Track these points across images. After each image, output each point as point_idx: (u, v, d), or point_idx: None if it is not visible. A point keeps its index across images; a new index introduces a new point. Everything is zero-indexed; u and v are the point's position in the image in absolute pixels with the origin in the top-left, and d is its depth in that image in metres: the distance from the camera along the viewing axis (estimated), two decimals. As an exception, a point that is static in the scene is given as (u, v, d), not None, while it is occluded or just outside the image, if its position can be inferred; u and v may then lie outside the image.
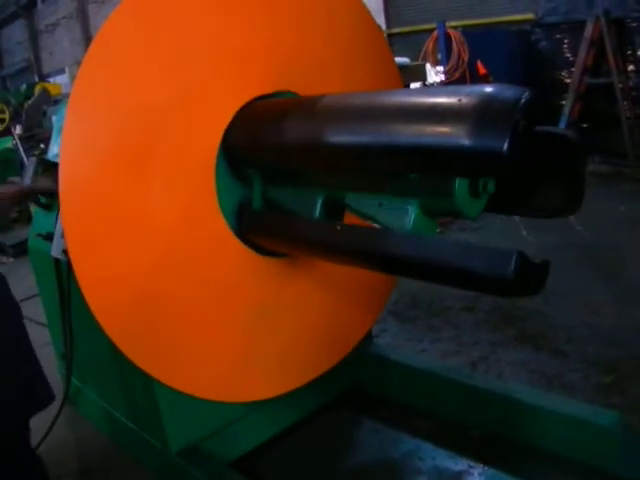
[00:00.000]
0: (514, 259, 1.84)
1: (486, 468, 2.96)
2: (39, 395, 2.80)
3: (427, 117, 1.92)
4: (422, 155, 1.97)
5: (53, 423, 3.22)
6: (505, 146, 1.67)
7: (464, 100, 1.80)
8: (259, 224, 2.77)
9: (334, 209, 2.55)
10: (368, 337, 3.60)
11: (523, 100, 1.70)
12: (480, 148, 1.74)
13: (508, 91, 1.76)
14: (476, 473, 2.94)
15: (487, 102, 1.76)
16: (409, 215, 2.22)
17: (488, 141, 1.72)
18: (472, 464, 2.99)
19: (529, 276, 1.89)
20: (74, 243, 2.39)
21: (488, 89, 1.81)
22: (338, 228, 2.40)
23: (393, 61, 3.35)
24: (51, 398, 2.92)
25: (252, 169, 2.76)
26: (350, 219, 2.52)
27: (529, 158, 1.76)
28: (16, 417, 2.69)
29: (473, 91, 1.84)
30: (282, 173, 2.74)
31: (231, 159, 2.70)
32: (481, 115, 1.75)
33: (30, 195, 3.12)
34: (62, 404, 3.27)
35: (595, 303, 4.60)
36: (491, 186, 2.07)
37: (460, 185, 2.05)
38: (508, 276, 1.85)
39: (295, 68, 2.84)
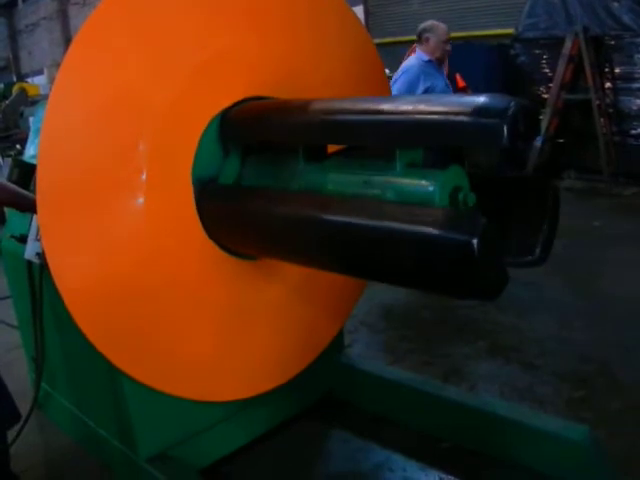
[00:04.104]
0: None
1: (456, 480, 2.97)
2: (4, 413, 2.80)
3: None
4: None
5: (21, 429, 3.16)
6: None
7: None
8: None
9: None
10: (340, 347, 3.60)
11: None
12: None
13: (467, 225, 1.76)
14: (446, 485, 2.95)
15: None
16: None
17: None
18: (442, 476, 2.99)
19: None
20: (49, 238, 2.34)
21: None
22: None
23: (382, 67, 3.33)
24: (17, 417, 2.91)
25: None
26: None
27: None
28: None
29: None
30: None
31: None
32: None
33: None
34: (31, 409, 3.22)
35: (567, 318, 4.64)
36: (471, 198, 2.01)
37: (441, 198, 1.99)
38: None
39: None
